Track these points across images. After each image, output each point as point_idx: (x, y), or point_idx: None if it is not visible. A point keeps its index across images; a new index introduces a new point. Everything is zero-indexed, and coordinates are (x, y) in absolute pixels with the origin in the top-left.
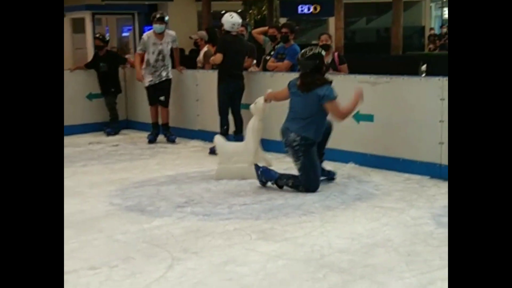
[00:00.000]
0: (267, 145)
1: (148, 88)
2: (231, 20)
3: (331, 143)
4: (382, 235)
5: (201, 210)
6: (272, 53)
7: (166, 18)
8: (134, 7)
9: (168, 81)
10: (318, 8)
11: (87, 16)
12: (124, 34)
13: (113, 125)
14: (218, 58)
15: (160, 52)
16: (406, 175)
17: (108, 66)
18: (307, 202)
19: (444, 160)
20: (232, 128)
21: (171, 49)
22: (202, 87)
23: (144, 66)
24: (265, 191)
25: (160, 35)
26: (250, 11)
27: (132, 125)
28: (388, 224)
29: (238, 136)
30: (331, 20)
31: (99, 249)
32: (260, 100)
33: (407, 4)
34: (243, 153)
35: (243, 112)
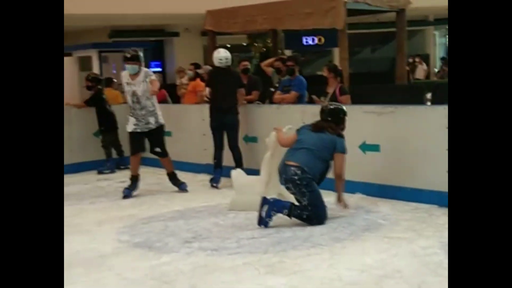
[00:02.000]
0: None
1: (132, 134)
2: (217, 55)
3: None
4: (391, 266)
5: (209, 245)
6: (277, 85)
7: (141, 55)
8: (140, 44)
9: (159, 128)
10: (323, 40)
11: (93, 54)
12: None
13: (106, 163)
14: (206, 92)
15: (133, 94)
16: (414, 204)
17: (96, 106)
18: (316, 234)
19: None
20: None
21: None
22: (209, 121)
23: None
24: (273, 224)
25: (133, 75)
26: (255, 44)
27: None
28: (397, 254)
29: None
30: (336, 50)
31: (108, 287)
32: (273, 134)
33: (411, 33)
34: (256, 185)
35: (252, 145)
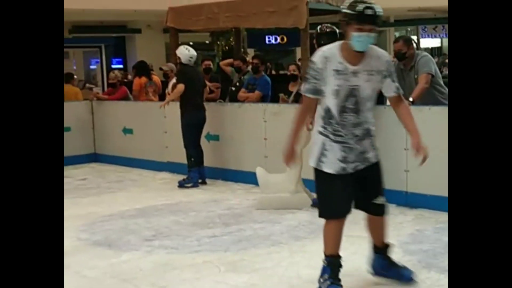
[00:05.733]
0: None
1: (334, 179)
2: (188, 53)
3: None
4: (351, 264)
5: (169, 243)
6: (237, 84)
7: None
8: (101, 40)
9: (377, 165)
10: (285, 39)
11: None
12: (92, 67)
13: None
14: (180, 88)
15: (352, 93)
16: None
17: None
18: (276, 232)
19: (410, 188)
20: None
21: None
22: (170, 119)
23: (319, 123)
24: (234, 222)
25: (359, 54)
26: (218, 42)
27: (100, 158)
28: (356, 252)
29: (201, 168)
30: (298, 50)
31: (66, 285)
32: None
33: None
34: (284, 182)
35: (214, 143)
